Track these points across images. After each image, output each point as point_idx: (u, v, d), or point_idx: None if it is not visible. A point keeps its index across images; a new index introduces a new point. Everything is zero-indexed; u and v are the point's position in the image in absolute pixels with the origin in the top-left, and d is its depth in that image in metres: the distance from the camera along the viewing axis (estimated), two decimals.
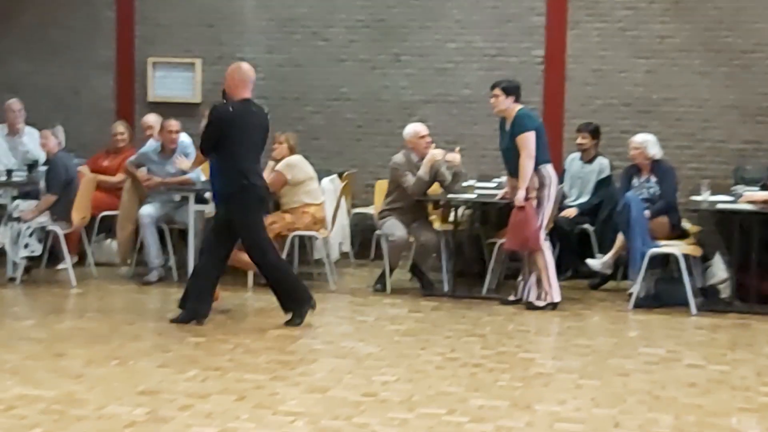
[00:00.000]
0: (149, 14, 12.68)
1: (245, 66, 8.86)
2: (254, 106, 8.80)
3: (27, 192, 10.96)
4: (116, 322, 8.84)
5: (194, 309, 8.75)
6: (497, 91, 9.58)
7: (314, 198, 10.38)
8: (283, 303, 8.81)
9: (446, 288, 10.30)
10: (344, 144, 12.50)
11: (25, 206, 10.46)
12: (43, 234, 10.36)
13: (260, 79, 12.45)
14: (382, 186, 10.98)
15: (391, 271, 10.29)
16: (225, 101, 8.79)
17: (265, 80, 12.42)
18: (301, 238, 10.75)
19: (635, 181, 10.19)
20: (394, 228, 10.17)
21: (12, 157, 11.77)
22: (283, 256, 10.22)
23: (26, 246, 10.22)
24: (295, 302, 8.78)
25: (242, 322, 9.03)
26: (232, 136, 8.55)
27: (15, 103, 11.96)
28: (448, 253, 10.43)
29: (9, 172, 11.07)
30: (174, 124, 10.71)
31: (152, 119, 11.44)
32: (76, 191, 10.39)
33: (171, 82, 12.69)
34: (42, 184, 10.58)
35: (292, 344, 8.16)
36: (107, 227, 11.30)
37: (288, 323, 8.71)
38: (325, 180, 11.00)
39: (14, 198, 10.80)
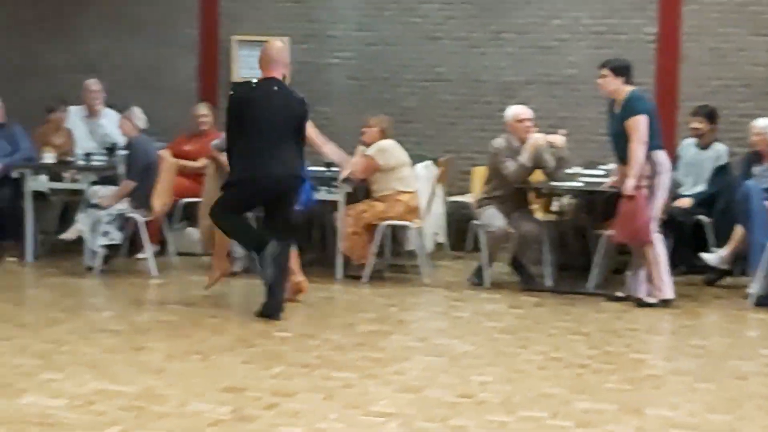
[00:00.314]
0: None
1: (275, 44, 8.87)
2: (278, 87, 8.72)
3: (106, 177, 11.12)
4: (198, 314, 8.93)
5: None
6: (605, 71, 9.48)
7: (407, 185, 10.38)
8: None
9: (549, 282, 10.23)
10: (439, 128, 12.48)
11: (103, 192, 10.61)
12: (123, 221, 10.50)
13: (350, 58, 12.56)
14: (480, 173, 10.96)
15: (490, 263, 10.25)
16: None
17: (356, 60, 12.46)
18: (393, 227, 10.75)
19: (756, 169, 10.02)
20: (492, 218, 10.13)
21: (91, 140, 11.95)
22: (374, 246, 10.25)
23: (105, 234, 10.37)
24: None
25: (330, 317, 9.06)
26: (244, 115, 8.59)
27: (94, 84, 12.14)
28: (551, 245, 10.35)
29: (88, 156, 11.24)
30: None
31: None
32: (157, 177, 10.51)
33: (257, 61, 12.71)
34: (121, 169, 10.72)
35: (383, 341, 8.17)
36: (189, 215, 11.42)
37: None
38: (419, 166, 11.00)
39: (93, 183, 10.96)
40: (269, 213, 8.87)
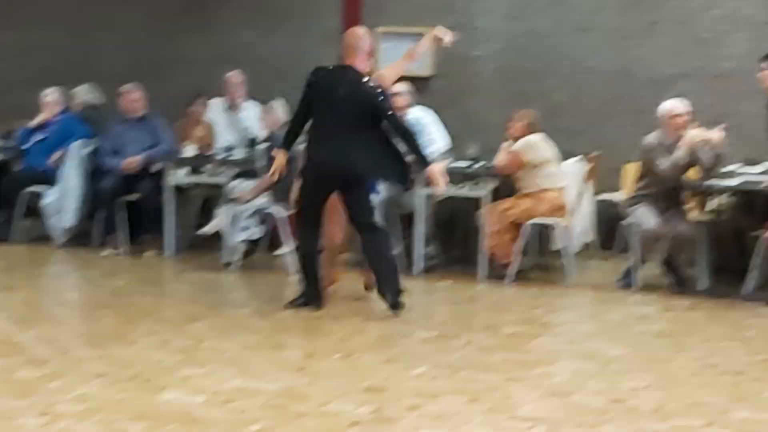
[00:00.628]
0: None
1: (355, 31, 8.95)
2: (351, 75, 8.68)
3: (246, 171, 11.27)
4: (338, 312, 8.99)
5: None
6: (766, 64, 9.28)
7: (555, 182, 10.31)
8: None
9: (703, 285, 10.05)
10: (589, 122, 12.34)
11: (242, 187, 10.76)
12: (263, 216, 10.63)
13: (497, 50, 12.50)
14: (631, 170, 10.81)
15: (641, 264, 10.12)
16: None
17: (502, 51, 12.41)
18: (539, 226, 10.69)
19: None
20: (644, 217, 9.99)
21: (231, 133, 12.12)
22: (519, 245, 10.20)
23: (245, 229, 10.52)
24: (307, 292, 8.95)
25: (473, 317, 9.06)
26: (310, 99, 8.71)
27: (235, 75, 12.31)
28: (707, 247, 10.17)
29: (229, 150, 11.40)
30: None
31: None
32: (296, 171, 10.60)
33: (400, 53, 12.68)
34: (261, 163, 10.86)
35: (529, 342, 8.13)
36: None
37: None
38: (567, 162, 10.90)
39: (233, 177, 11.12)
40: (345, 205, 8.88)
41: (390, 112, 8.77)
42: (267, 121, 10.86)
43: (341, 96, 8.63)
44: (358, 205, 8.81)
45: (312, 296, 8.98)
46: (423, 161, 8.82)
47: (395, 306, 8.77)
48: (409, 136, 8.81)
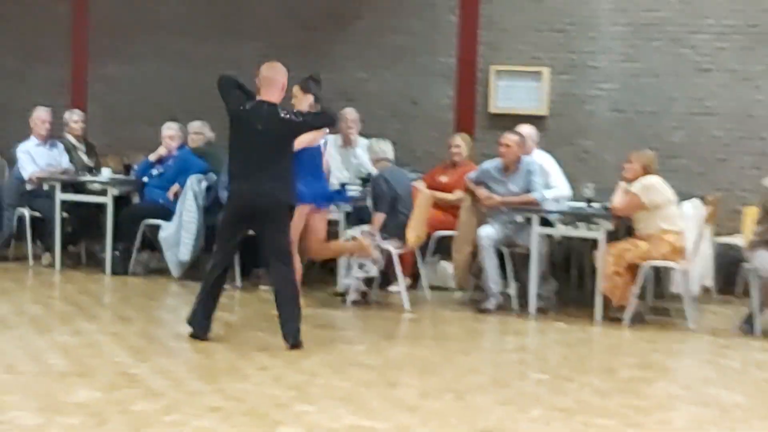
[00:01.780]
0: (494, 18, 12.80)
1: (266, 66, 9.06)
2: (266, 108, 8.82)
3: (359, 208, 11.29)
4: (451, 351, 8.96)
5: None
6: None
7: (673, 224, 10.16)
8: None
9: None
10: (708, 164, 12.17)
11: (358, 234, 10.71)
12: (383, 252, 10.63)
13: (614, 90, 12.40)
14: (751, 213, 10.62)
15: (761, 310, 9.91)
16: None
17: (619, 91, 12.31)
18: (657, 269, 10.54)
19: None
20: (765, 261, 9.79)
21: (345, 170, 12.18)
22: (636, 288, 10.05)
23: (361, 266, 10.53)
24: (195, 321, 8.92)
25: (589, 360, 8.96)
26: (232, 134, 8.90)
27: (350, 113, 12.37)
28: None
29: (343, 186, 11.44)
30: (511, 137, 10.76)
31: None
32: (408, 208, 10.61)
33: (515, 92, 12.76)
34: (369, 201, 10.89)
35: (646, 387, 8.00)
36: (443, 248, 11.49)
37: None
38: (686, 204, 10.75)
39: (348, 214, 11.14)
40: (259, 238, 9.01)
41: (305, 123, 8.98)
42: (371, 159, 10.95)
43: (256, 129, 8.79)
44: (275, 237, 8.85)
45: (199, 324, 8.95)
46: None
47: (296, 346, 8.74)
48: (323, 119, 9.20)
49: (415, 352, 8.92)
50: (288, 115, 8.90)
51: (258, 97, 8.97)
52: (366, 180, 11.70)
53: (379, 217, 10.59)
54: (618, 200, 10.27)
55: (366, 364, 8.37)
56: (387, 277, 10.97)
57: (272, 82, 8.98)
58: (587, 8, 12.54)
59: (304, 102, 9.67)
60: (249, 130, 8.82)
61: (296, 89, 9.77)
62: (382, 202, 10.60)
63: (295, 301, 8.93)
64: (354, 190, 11.48)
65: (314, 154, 9.94)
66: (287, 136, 8.94)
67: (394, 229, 10.60)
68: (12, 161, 12.60)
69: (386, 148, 10.89)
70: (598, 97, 12.46)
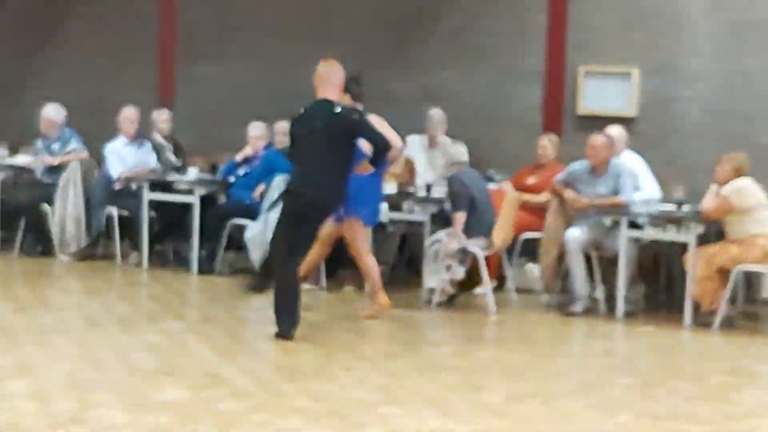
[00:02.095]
0: (583, 18, 12.70)
1: (323, 65, 9.30)
2: (323, 106, 9.03)
3: (442, 209, 11.27)
4: (538, 355, 8.91)
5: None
6: None
7: (765, 228, 10.00)
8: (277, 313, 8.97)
9: None
10: None
11: (443, 239, 10.67)
12: (463, 255, 10.59)
13: (705, 91, 12.23)
14: None
15: None
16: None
17: (712, 93, 12.14)
18: (748, 273, 10.39)
19: None
20: None
21: (431, 170, 12.15)
22: (727, 292, 9.91)
23: (448, 268, 10.50)
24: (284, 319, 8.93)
25: (678, 365, 8.85)
26: (292, 135, 9.16)
27: (437, 113, 12.36)
28: None
29: (428, 187, 11.42)
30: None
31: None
32: (489, 209, 10.56)
33: (604, 93, 12.64)
34: (447, 204, 10.89)
35: (737, 394, 7.88)
36: (530, 250, 11.42)
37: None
38: None
39: (433, 216, 11.11)
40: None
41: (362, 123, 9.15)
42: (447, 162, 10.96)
43: (312, 128, 8.98)
44: (309, 229, 9.07)
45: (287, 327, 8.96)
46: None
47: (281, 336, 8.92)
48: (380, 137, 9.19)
49: (501, 355, 8.89)
50: (342, 111, 9.03)
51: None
52: None
53: (460, 216, 10.54)
54: (709, 203, 10.13)
55: (452, 367, 8.34)
56: (471, 278, 10.91)
57: (328, 80, 9.16)
58: (678, 8, 12.39)
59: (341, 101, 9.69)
60: (307, 129, 9.00)
61: None
62: (461, 201, 10.55)
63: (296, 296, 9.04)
64: (440, 191, 11.44)
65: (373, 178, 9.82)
66: (342, 131, 9.04)
67: (479, 230, 10.56)
68: (101, 160, 12.75)
69: (461, 151, 10.86)
70: (689, 98, 12.31)
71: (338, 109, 9.07)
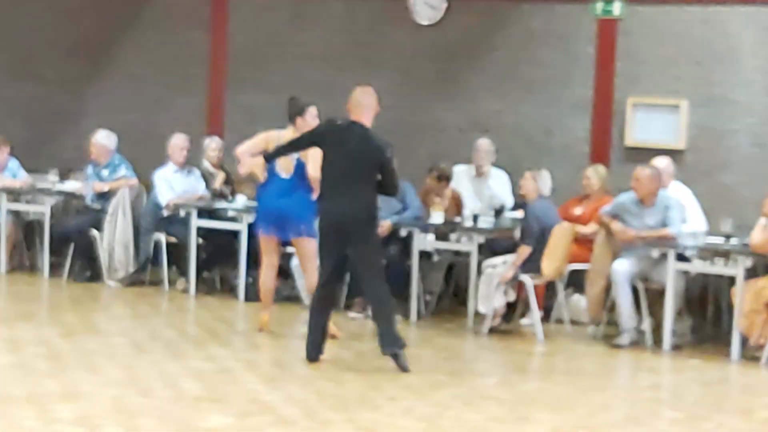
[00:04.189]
0: (632, 50, 12.65)
1: (360, 88, 9.58)
2: (358, 130, 9.21)
3: (493, 240, 11.25)
4: (584, 387, 8.87)
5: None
6: None
7: None
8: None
9: None
10: None
11: (499, 266, 10.66)
12: (514, 283, 10.58)
13: (754, 124, 12.14)
14: None
15: None
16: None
17: (761, 126, 12.02)
18: None
19: None
20: None
21: (478, 200, 12.15)
22: None
23: (505, 293, 10.52)
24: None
25: (725, 399, 8.80)
26: (322, 152, 9.29)
27: (485, 144, 12.37)
28: None
29: (475, 217, 11.41)
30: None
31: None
32: (548, 241, 10.56)
33: (652, 124, 12.58)
34: (517, 233, 10.90)
35: None
36: (576, 281, 11.37)
37: None
38: None
39: (480, 246, 11.09)
40: (351, 260, 9.21)
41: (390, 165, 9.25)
42: (527, 188, 10.95)
43: (344, 150, 9.13)
44: (365, 255, 9.14)
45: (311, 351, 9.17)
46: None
47: (395, 355, 9.06)
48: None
49: (546, 386, 8.85)
50: (379, 143, 9.26)
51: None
52: (500, 211, 11.67)
53: (525, 250, 10.61)
54: (757, 236, 10.05)
55: (497, 398, 8.32)
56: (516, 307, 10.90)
57: (360, 104, 9.41)
58: (728, 40, 12.32)
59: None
60: (340, 149, 9.17)
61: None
62: (530, 234, 10.61)
63: (391, 313, 9.19)
64: (487, 222, 11.43)
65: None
66: (375, 162, 9.20)
67: (532, 261, 10.57)
68: (150, 187, 12.83)
69: (546, 182, 10.89)
70: (737, 131, 12.21)
71: (374, 140, 9.27)
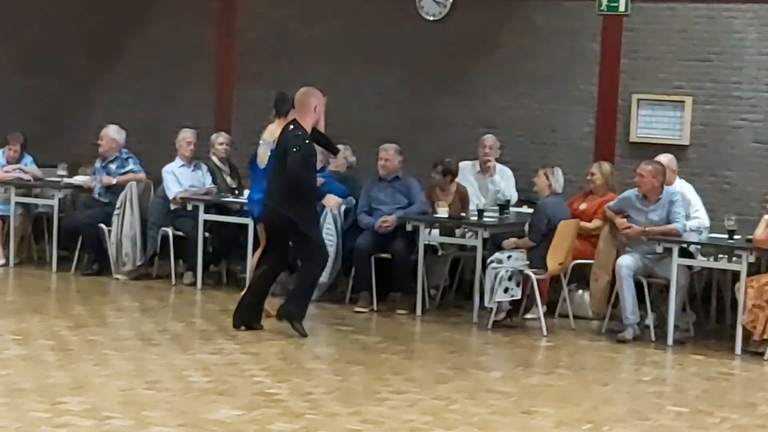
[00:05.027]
0: (637, 47, 12.65)
1: (301, 91, 10.09)
2: (290, 130, 9.87)
3: (497, 234, 11.27)
4: (588, 381, 8.88)
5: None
6: None
7: None
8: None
9: None
10: None
11: (508, 263, 10.70)
12: (520, 278, 10.60)
13: (758, 121, 12.15)
14: None
15: None
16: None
17: (764, 122, 12.05)
18: None
19: None
20: None
21: (482, 196, 12.16)
22: None
23: (506, 290, 10.54)
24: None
25: (728, 394, 8.80)
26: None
27: (489, 140, 12.39)
28: None
29: (480, 213, 11.42)
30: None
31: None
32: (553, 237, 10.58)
33: (656, 121, 12.60)
34: (526, 227, 10.96)
35: None
36: (580, 276, 11.39)
37: None
38: None
39: (485, 241, 11.11)
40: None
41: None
42: (539, 185, 10.92)
43: (278, 147, 9.94)
44: (284, 247, 10.10)
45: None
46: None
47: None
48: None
49: (551, 380, 8.86)
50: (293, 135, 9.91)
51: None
52: (504, 206, 11.69)
53: (527, 243, 10.75)
54: (760, 232, 10.07)
55: (502, 392, 8.33)
56: (520, 303, 10.92)
57: (300, 104, 9.99)
58: (733, 37, 12.31)
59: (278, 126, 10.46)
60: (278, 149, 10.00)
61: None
62: (537, 232, 10.69)
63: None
64: (492, 217, 11.45)
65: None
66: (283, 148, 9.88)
67: (538, 255, 10.60)
68: (158, 181, 12.86)
69: (559, 179, 10.94)
70: (741, 127, 12.23)
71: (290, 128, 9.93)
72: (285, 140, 9.85)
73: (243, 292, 10.38)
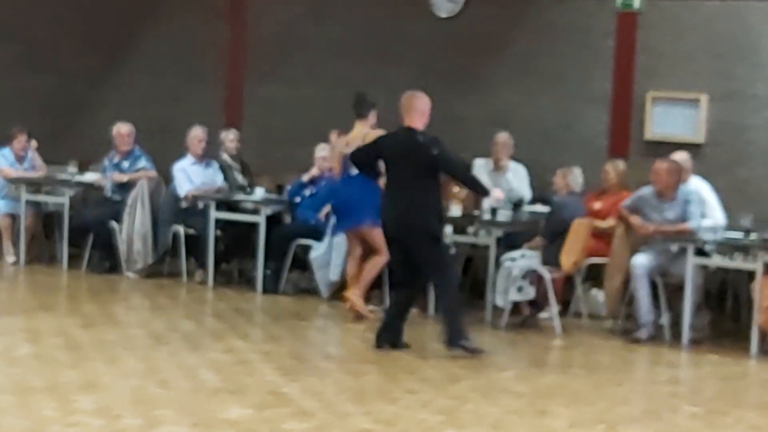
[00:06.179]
0: (652, 44, 12.63)
1: (407, 95, 9.76)
2: (406, 135, 9.48)
3: (509, 233, 11.26)
4: (602, 381, 8.87)
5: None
6: None
7: None
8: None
9: None
10: None
11: (520, 264, 10.70)
12: (534, 278, 10.59)
13: None
14: None
15: None
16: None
17: None
18: None
19: None
20: None
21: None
22: None
23: (520, 290, 10.53)
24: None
25: (744, 394, 8.79)
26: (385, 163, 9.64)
27: (503, 137, 12.37)
28: None
29: (493, 211, 11.40)
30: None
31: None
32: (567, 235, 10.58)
33: (671, 119, 12.56)
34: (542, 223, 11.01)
35: None
36: (595, 275, 11.37)
37: None
38: None
39: (499, 240, 11.10)
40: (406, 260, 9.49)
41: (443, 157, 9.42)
42: (558, 184, 10.94)
43: (396, 155, 9.50)
44: (419, 261, 9.39)
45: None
46: (483, 191, 10.03)
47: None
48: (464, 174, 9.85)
49: (565, 380, 8.85)
50: (424, 142, 9.40)
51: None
52: (518, 204, 11.67)
53: (541, 242, 10.78)
54: None
55: (515, 391, 8.33)
56: (535, 302, 10.91)
57: (410, 108, 9.63)
58: (748, 34, 12.28)
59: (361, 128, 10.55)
60: (390, 158, 9.51)
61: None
62: (550, 231, 10.72)
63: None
64: (505, 215, 11.43)
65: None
66: (424, 162, 9.35)
67: (551, 254, 10.59)
68: (169, 179, 12.87)
69: (577, 179, 11.02)
70: (757, 125, 12.19)
71: (418, 141, 9.44)
72: (418, 150, 9.40)
73: (384, 313, 9.98)
